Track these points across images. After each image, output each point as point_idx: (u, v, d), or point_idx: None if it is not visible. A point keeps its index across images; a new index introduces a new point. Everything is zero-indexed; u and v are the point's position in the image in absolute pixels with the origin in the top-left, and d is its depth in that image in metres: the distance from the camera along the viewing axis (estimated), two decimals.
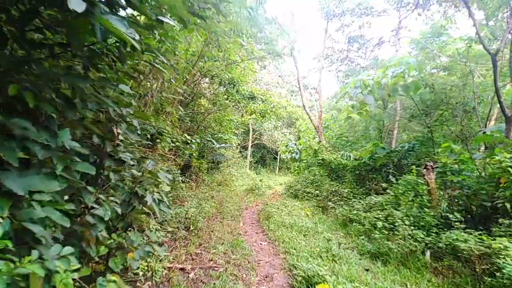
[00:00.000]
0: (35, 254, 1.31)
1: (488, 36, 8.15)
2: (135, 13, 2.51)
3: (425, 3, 12.88)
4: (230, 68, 8.27)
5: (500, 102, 5.82)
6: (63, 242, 1.85)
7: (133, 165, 2.92)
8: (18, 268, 1.23)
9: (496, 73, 5.92)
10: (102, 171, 2.53)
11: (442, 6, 12.06)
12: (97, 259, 2.41)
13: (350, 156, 10.89)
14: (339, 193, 8.93)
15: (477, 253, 3.79)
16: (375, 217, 5.74)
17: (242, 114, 12.98)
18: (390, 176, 8.08)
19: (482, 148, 8.06)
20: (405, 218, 5.19)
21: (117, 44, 2.29)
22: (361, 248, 4.91)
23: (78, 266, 1.49)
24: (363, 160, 9.65)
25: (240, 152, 20.63)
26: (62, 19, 1.97)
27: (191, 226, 5.10)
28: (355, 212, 6.78)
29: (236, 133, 13.93)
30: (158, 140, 5.34)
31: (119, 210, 2.26)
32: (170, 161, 6.55)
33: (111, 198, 2.31)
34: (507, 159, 4.61)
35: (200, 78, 8.15)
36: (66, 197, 1.92)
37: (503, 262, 3.33)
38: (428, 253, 4.41)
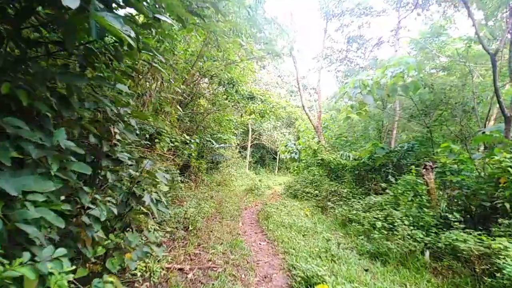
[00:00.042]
0: (26, 256, 1.28)
1: (487, 36, 8.15)
2: (134, 12, 2.49)
3: (424, 3, 12.89)
4: (230, 68, 8.25)
5: (499, 102, 5.82)
6: (59, 243, 1.83)
7: (131, 165, 2.89)
8: (8, 271, 1.21)
9: (496, 73, 5.91)
10: (99, 171, 2.51)
11: (442, 6, 12.07)
12: (94, 260, 2.38)
13: (349, 156, 10.88)
14: (339, 193, 8.91)
15: (476, 253, 3.78)
16: (375, 217, 5.73)
17: (242, 114, 12.98)
18: (390, 176, 8.08)
19: (482, 148, 8.07)
20: (404, 218, 5.18)
21: (116, 43, 2.28)
22: (360, 248, 4.90)
23: (71, 268, 1.46)
24: (362, 160, 9.64)
25: (240, 152, 20.61)
26: (58, 17, 1.95)
27: (190, 226, 5.07)
28: (354, 212, 6.76)
29: (235, 133, 13.91)
30: (157, 140, 5.32)
31: (115, 210, 2.23)
32: (169, 161, 6.53)
33: (108, 198, 2.29)
34: (506, 159, 4.60)
35: (199, 78, 8.13)
36: (62, 197, 1.90)
37: (503, 263, 3.32)
38: (427, 253, 4.39)
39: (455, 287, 3.69)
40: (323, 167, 11.48)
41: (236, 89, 9.18)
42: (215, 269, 3.76)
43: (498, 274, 3.34)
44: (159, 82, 5.37)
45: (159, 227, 4.38)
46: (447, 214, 5.02)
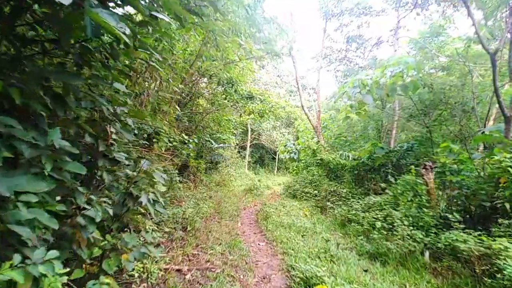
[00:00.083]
0: (17, 258, 1.25)
1: (487, 35, 8.12)
2: (132, 11, 2.47)
3: (424, 2, 12.88)
4: (229, 68, 8.21)
5: (499, 102, 5.80)
6: (54, 244, 1.80)
7: (128, 165, 2.86)
8: None
9: (495, 73, 5.90)
10: (96, 171, 2.47)
11: (441, 6, 12.04)
12: (90, 261, 2.35)
13: (348, 156, 10.85)
14: (338, 193, 8.89)
15: (476, 253, 3.76)
16: (374, 217, 5.71)
17: (241, 114, 12.94)
18: (389, 176, 8.06)
19: (481, 148, 8.06)
20: (404, 218, 5.16)
21: (112, 42, 2.25)
22: (360, 249, 4.88)
23: (65, 270, 1.43)
24: (362, 160, 9.62)
25: (239, 152, 20.58)
26: (53, 15, 1.92)
27: (188, 227, 5.04)
28: (353, 212, 6.75)
29: (234, 133, 13.88)
30: (155, 140, 5.28)
31: (111, 211, 2.20)
32: (168, 161, 6.49)
33: (104, 199, 2.25)
34: (506, 159, 4.58)
35: (198, 78, 8.10)
36: (58, 198, 1.87)
37: (504, 263, 3.30)
38: (427, 253, 4.37)
39: None
40: (322, 167, 11.45)
41: (235, 89, 9.15)
42: (213, 270, 3.73)
43: (498, 275, 3.32)
44: (157, 82, 5.34)
45: (157, 227, 4.34)
46: (446, 214, 5.00)
